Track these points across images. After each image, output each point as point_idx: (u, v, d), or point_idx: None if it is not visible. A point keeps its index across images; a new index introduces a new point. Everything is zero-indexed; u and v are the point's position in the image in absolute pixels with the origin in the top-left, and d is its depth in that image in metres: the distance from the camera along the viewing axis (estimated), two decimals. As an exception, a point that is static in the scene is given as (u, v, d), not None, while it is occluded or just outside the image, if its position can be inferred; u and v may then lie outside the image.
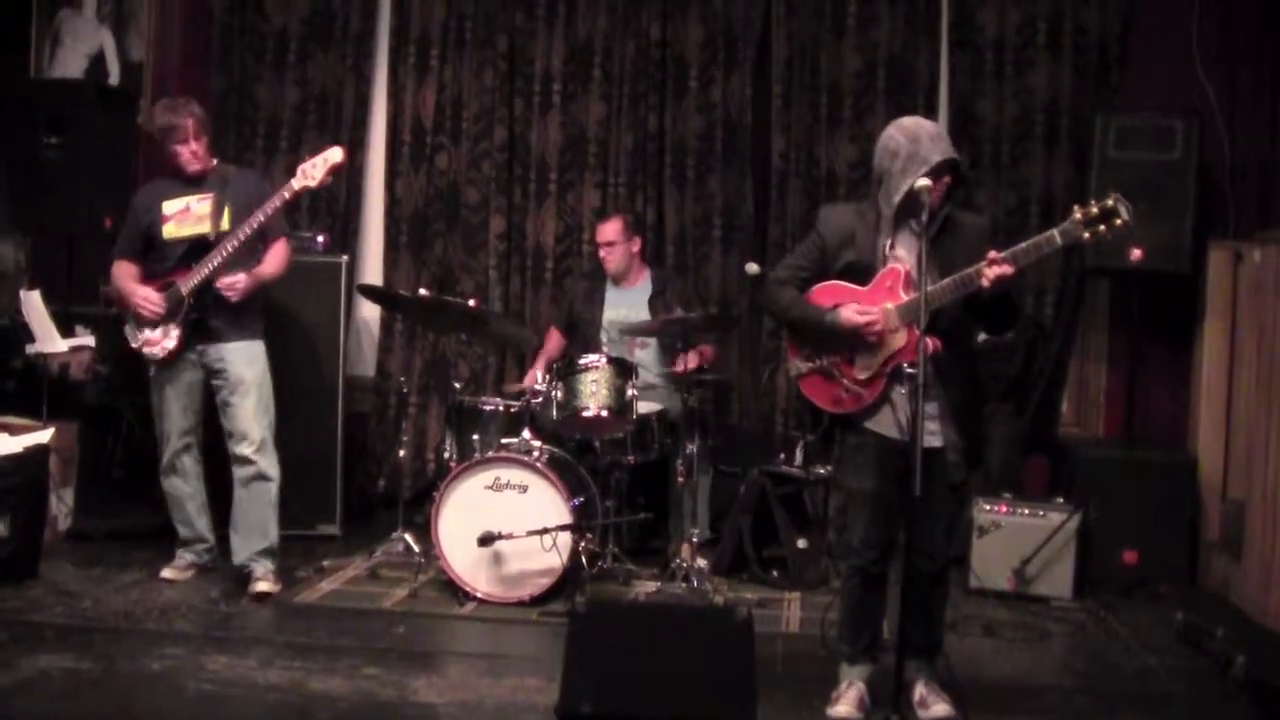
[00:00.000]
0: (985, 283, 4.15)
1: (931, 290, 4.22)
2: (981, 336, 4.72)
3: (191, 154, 5.74)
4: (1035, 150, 7.03)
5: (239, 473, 5.80)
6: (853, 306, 4.38)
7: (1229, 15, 6.64)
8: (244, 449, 5.76)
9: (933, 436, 4.31)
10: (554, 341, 6.95)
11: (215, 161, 5.91)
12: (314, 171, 5.58)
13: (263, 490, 5.81)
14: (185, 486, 5.94)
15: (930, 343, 4.24)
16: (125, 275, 5.85)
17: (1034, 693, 4.82)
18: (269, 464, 5.81)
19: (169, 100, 5.90)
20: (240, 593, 5.70)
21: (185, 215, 5.76)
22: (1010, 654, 5.30)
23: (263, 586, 5.71)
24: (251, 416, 5.76)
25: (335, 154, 5.62)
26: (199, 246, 5.68)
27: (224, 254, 5.59)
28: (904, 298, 4.36)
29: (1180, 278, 6.42)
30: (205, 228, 5.71)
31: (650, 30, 7.35)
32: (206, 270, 5.62)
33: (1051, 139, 7.01)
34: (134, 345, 5.79)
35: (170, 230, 5.76)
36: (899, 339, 4.37)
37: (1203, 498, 6.37)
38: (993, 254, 4.15)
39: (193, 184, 5.80)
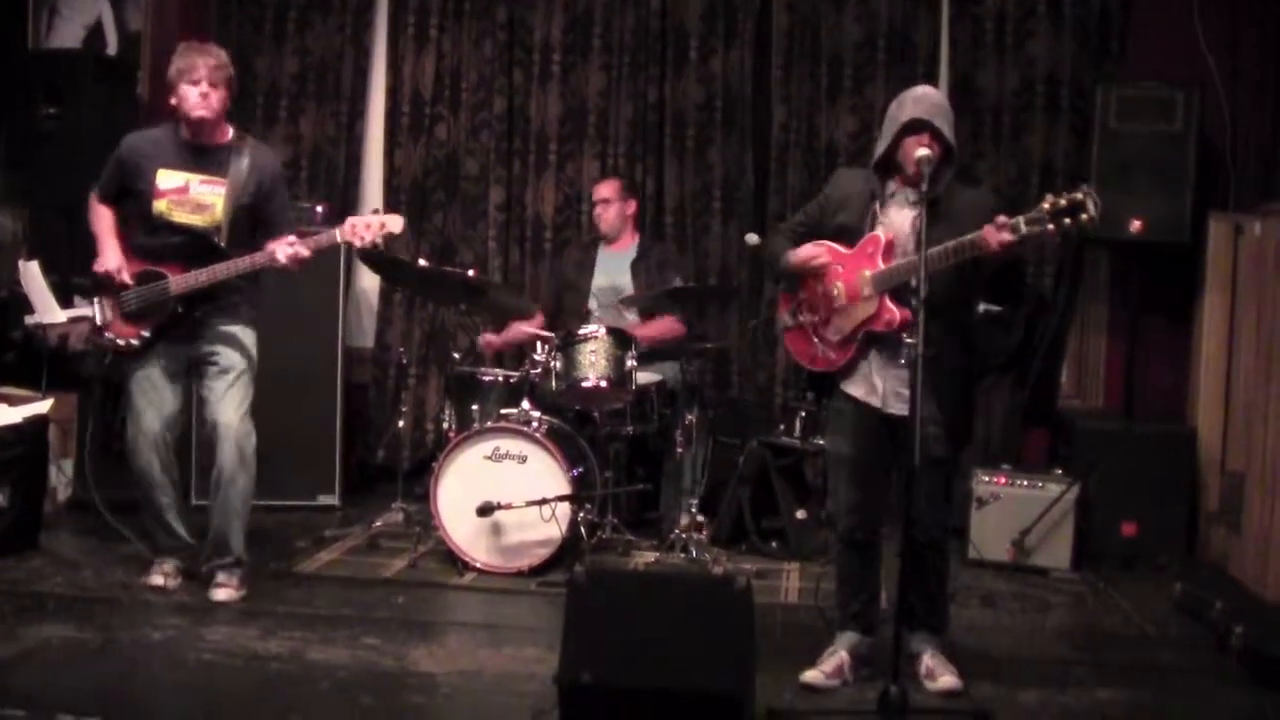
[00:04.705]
0: (990, 244, 4.13)
1: (909, 261, 4.25)
2: (982, 307, 4.70)
3: (201, 96, 5.08)
4: (1036, 121, 7.01)
5: (214, 470, 5.21)
6: (806, 246, 4.49)
7: (1231, -14, 6.62)
8: (220, 447, 5.17)
9: (905, 404, 4.30)
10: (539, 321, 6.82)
11: (231, 133, 5.28)
12: (365, 233, 5.11)
13: (230, 496, 5.21)
14: (164, 497, 5.31)
15: (899, 312, 4.29)
16: (104, 221, 5.28)
17: (1033, 663, 4.83)
18: (242, 468, 5.20)
19: (194, 43, 5.26)
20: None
21: (182, 197, 5.15)
22: (1009, 625, 5.31)
23: (220, 595, 5.19)
24: (234, 410, 5.19)
25: (395, 223, 5.18)
26: (200, 241, 5.14)
27: (231, 270, 5.09)
28: (881, 265, 4.37)
29: (1180, 249, 6.41)
30: (204, 220, 5.16)
31: (650, 0, 7.31)
32: (205, 279, 5.09)
33: (1052, 110, 6.99)
34: (98, 322, 5.25)
35: (162, 208, 5.15)
36: (869, 306, 4.38)
37: (1201, 470, 6.38)
38: (1001, 219, 4.15)
39: (198, 155, 5.18)
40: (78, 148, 6.61)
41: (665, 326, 6.53)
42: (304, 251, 5.14)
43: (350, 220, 5.20)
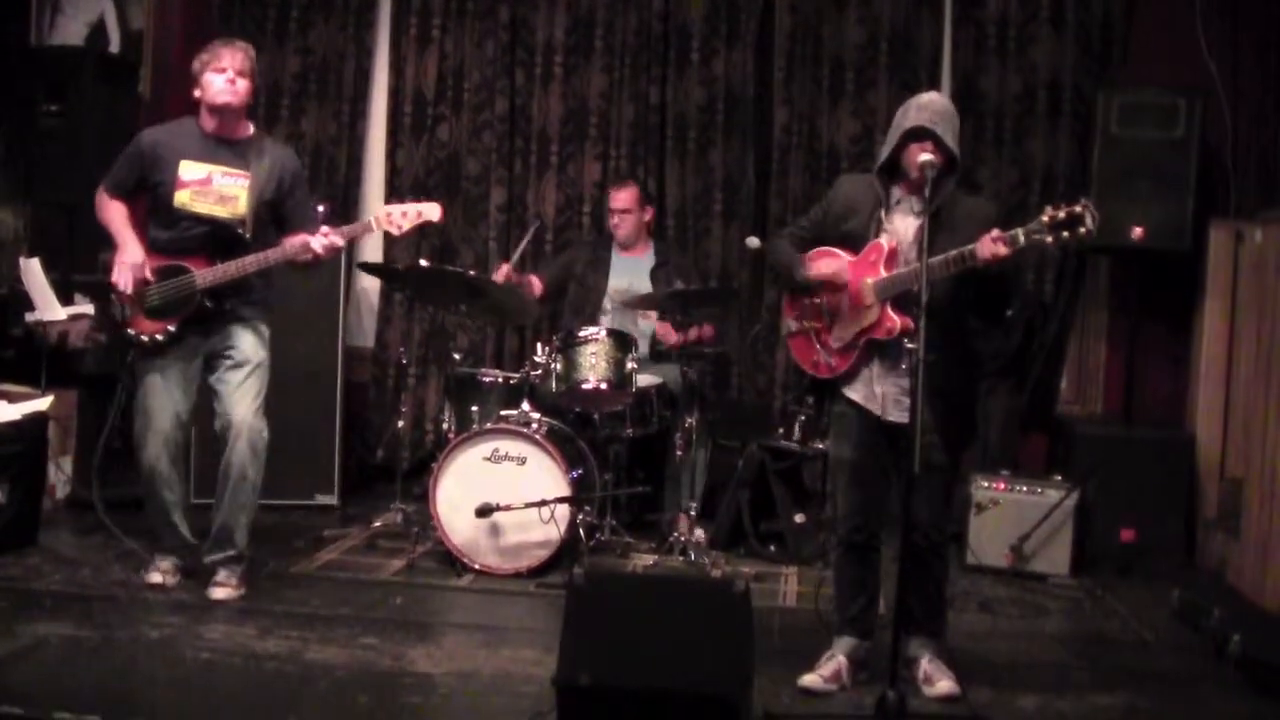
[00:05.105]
0: (983, 254, 4.14)
1: (910, 270, 4.25)
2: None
3: (229, 82, 5.05)
4: (1038, 126, 7.01)
5: (224, 462, 5.17)
6: (827, 261, 4.49)
7: (1234, -7, 6.63)
8: (233, 443, 5.13)
9: (903, 412, 4.32)
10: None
11: (252, 129, 5.29)
12: (401, 221, 5.13)
13: (239, 491, 5.17)
14: (170, 495, 5.25)
15: (900, 320, 4.30)
16: (118, 215, 5.20)
17: (1031, 669, 4.83)
18: (254, 464, 5.17)
19: (221, 39, 5.27)
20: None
21: (205, 188, 5.09)
22: (1007, 630, 5.31)
23: (219, 594, 5.16)
24: (249, 404, 5.15)
25: (433, 211, 5.17)
26: (224, 232, 5.09)
27: (261, 262, 5.05)
28: (883, 273, 4.38)
29: (1181, 256, 6.42)
30: (228, 212, 5.10)
31: (652, 2, 7.31)
32: (234, 271, 5.04)
33: (1054, 115, 6.99)
34: (118, 319, 5.17)
35: (184, 200, 5.09)
36: (871, 314, 4.40)
37: (1200, 476, 6.38)
38: (996, 232, 4.16)
39: (221, 148, 5.15)
40: (79, 145, 6.60)
41: (705, 332, 6.58)
42: (339, 241, 5.14)
43: (386, 208, 5.20)
